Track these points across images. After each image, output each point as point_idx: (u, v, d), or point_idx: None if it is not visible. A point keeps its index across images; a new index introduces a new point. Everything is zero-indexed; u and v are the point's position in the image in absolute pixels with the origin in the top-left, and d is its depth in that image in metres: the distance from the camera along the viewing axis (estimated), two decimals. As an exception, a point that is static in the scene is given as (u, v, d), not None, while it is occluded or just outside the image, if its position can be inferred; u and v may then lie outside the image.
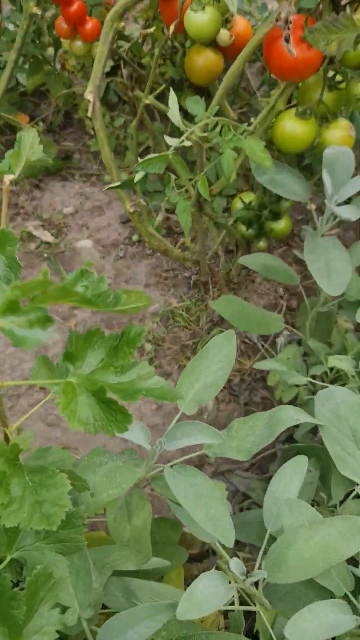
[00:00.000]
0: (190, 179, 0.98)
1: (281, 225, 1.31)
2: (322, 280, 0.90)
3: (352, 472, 0.70)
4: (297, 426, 1.27)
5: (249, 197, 1.30)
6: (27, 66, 1.71)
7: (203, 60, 1.03)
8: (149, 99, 1.19)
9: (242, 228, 1.34)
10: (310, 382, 0.97)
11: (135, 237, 1.65)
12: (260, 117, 0.95)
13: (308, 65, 0.90)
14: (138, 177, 0.81)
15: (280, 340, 1.37)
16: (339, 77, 0.98)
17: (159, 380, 0.50)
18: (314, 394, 1.10)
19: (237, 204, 1.31)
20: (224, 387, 1.38)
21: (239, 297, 1.46)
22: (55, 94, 1.75)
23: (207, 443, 0.75)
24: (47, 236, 1.66)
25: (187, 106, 0.90)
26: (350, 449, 0.72)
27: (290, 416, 0.73)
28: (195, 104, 0.90)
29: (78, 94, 1.75)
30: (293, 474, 0.71)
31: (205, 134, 0.87)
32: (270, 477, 0.80)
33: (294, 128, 0.97)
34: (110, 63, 1.73)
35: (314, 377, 1.04)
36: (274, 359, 1.16)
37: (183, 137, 0.82)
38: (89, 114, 1.04)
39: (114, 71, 1.78)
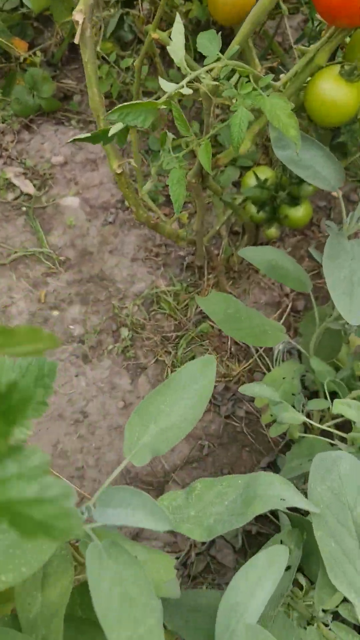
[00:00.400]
0: (189, 142, 0.76)
1: (299, 212, 1.08)
2: (340, 299, 0.68)
3: (346, 584, 0.50)
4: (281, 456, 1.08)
5: (265, 173, 1.08)
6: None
7: (229, -11, 0.79)
8: (157, 33, 0.95)
9: (252, 209, 1.11)
10: (308, 422, 0.76)
11: (129, 202, 1.42)
12: (292, 72, 0.72)
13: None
14: (115, 129, 0.59)
15: (279, 349, 1.16)
16: None
17: (53, 484, 0.29)
18: (311, 430, 0.90)
19: (250, 180, 1.08)
20: (205, 394, 1.18)
21: (234, 293, 1.24)
22: (59, 20, 1.49)
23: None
24: (28, 187, 1.44)
25: (197, 44, 0.67)
26: (350, 550, 0.52)
27: (275, 494, 0.52)
28: (208, 40, 0.66)
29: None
30: (265, 572, 0.51)
31: (216, 83, 0.64)
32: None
33: (334, 91, 0.73)
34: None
35: (309, 414, 0.83)
36: (265, 378, 0.95)
37: (183, 82, 0.59)
38: (76, 40, 0.81)
39: (131, 1, 1.52)
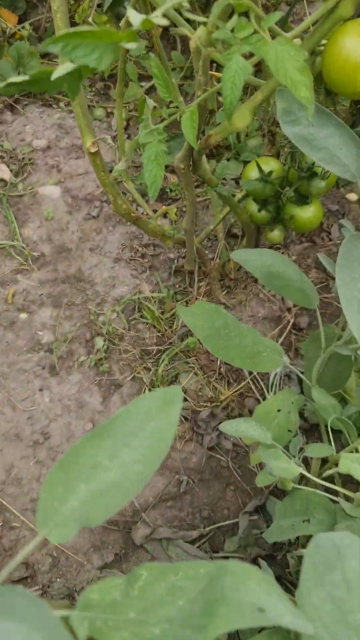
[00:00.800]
0: (174, 110, 0.59)
1: (308, 213, 0.92)
2: (355, 318, 0.52)
3: None
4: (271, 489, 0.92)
5: (269, 164, 0.91)
6: None
7: None
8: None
9: (253, 207, 0.95)
10: (304, 474, 0.59)
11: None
12: (307, 23, 0.55)
13: None
14: (60, 70, 0.43)
15: (276, 372, 0.99)
16: None
17: None
18: (305, 482, 0.73)
19: (251, 172, 0.91)
20: (185, 419, 1.01)
21: (229, 304, 1.07)
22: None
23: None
24: (4, 172, 1.27)
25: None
26: None
27: (249, 600, 0.36)
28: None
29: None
30: None
31: (204, 20, 0.48)
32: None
33: (360, 53, 0.57)
34: None
35: (307, 463, 0.66)
36: (256, 410, 0.78)
37: (158, 12, 0.43)
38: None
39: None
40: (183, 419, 1.01)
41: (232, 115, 0.63)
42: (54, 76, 0.44)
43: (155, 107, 0.64)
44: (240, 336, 0.76)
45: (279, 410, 0.80)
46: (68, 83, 0.45)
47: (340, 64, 0.57)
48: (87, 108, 0.83)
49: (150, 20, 0.41)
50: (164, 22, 0.42)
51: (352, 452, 0.65)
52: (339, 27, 0.58)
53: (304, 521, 0.64)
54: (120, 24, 0.56)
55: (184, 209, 1.20)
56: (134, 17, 0.44)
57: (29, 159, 1.30)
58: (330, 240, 1.18)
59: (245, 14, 0.49)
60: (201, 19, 0.49)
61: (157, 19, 0.42)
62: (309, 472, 0.70)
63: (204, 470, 0.98)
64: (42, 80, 0.45)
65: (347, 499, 0.62)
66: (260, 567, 0.67)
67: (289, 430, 0.79)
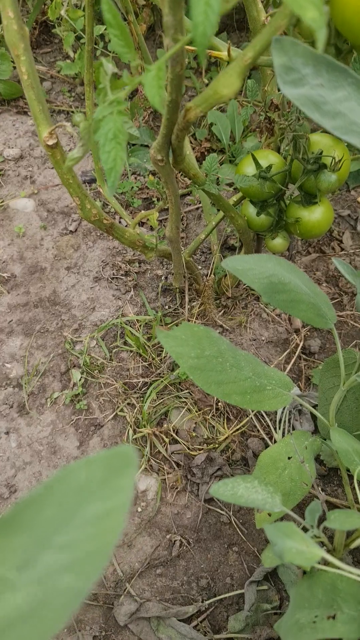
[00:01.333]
0: (136, 68, 0.45)
1: (316, 215, 0.77)
2: None
3: None
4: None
5: (268, 158, 0.76)
6: None
7: None
8: None
9: (251, 210, 0.80)
10: (326, 561, 0.43)
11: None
12: None
13: None
14: None
15: (284, 407, 0.82)
16: None
17: None
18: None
19: (247, 168, 0.76)
20: (178, 465, 0.84)
21: (227, 326, 0.92)
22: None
23: None
24: (-30, 185, 1.13)
25: None
26: None
27: None
28: None
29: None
30: None
31: None
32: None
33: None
34: None
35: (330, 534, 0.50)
36: (261, 458, 0.62)
37: None
38: None
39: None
40: (175, 465, 0.84)
41: (218, 80, 0.48)
42: None
43: (115, 73, 0.49)
44: (237, 367, 0.60)
45: (289, 458, 0.64)
46: None
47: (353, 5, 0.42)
48: (56, 111, 0.69)
49: None
50: None
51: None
52: None
53: (328, 618, 0.47)
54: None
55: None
56: None
57: (0, 170, 1.16)
58: (343, 249, 1.03)
59: None
60: None
61: None
62: (332, 544, 0.54)
63: (200, 528, 0.81)
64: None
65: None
66: None
67: (304, 484, 0.62)
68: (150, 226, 1.02)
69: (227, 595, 0.77)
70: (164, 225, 1.00)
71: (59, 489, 0.28)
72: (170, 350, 0.59)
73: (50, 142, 0.65)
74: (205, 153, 1.11)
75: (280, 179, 0.76)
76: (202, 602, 0.77)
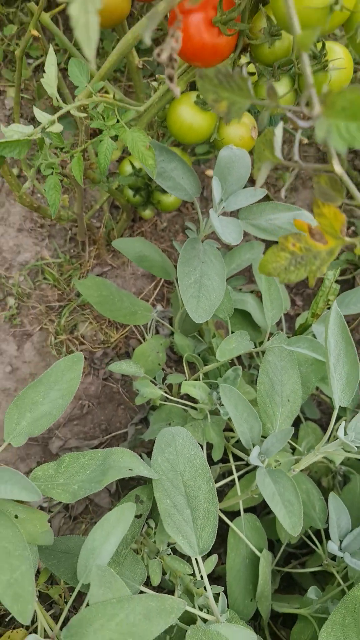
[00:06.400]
0: (66, 151, 0.85)
1: (170, 199, 1.21)
2: (189, 302, 0.82)
3: (176, 530, 0.68)
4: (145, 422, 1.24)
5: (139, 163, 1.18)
6: None
7: None
8: (43, 20, 0.99)
9: (129, 193, 1.22)
10: (165, 396, 0.92)
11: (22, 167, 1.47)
12: (152, 101, 0.82)
13: (216, 52, 0.77)
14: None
15: (152, 318, 1.30)
16: (250, 69, 0.86)
17: None
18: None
19: (126, 168, 1.18)
20: (85, 358, 1.31)
21: (114, 264, 1.36)
22: None
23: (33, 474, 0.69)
24: None
25: (69, 71, 0.75)
26: (181, 506, 0.69)
27: (124, 465, 0.68)
28: (79, 70, 0.75)
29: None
30: (116, 525, 0.67)
31: (84, 115, 0.73)
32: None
33: (191, 117, 0.85)
34: None
35: (170, 386, 0.99)
36: (135, 352, 1.10)
37: (54, 116, 0.68)
38: None
39: None
40: (83, 358, 1.30)
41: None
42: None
43: (50, 143, 0.88)
44: (120, 301, 1.06)
45: (152, 351, 1.12)
46: (-3, 161, 0.70)
47: (178, 125, 0.85)
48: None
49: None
50: (59, 128, 0.68)
51: (197, 379, 0.98)
52: (179, 97, 0.85)
53: (167, 424, 0.98)
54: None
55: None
56: (42, 117, 0.69)
57: None
58: (194, 209, 1.48)
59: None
60: (81, 115, 0.75)
61: (55, 125, 0.68)
62: (170, 393, 1.04)
63: (100, 395, 1.29)
64: (-20, 162, 0.69)
65: (193, 408, 0.96)
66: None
67: (159, 364, 1.11)
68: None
69: (117, 432, 1.27)
70: (72, 204, 1.39)
71: (54, 369, 0.73)
72: (83, 293, 1.04)
73: None
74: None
75: (147, 176, 1.18)
76: (103, 437, 1.27)
